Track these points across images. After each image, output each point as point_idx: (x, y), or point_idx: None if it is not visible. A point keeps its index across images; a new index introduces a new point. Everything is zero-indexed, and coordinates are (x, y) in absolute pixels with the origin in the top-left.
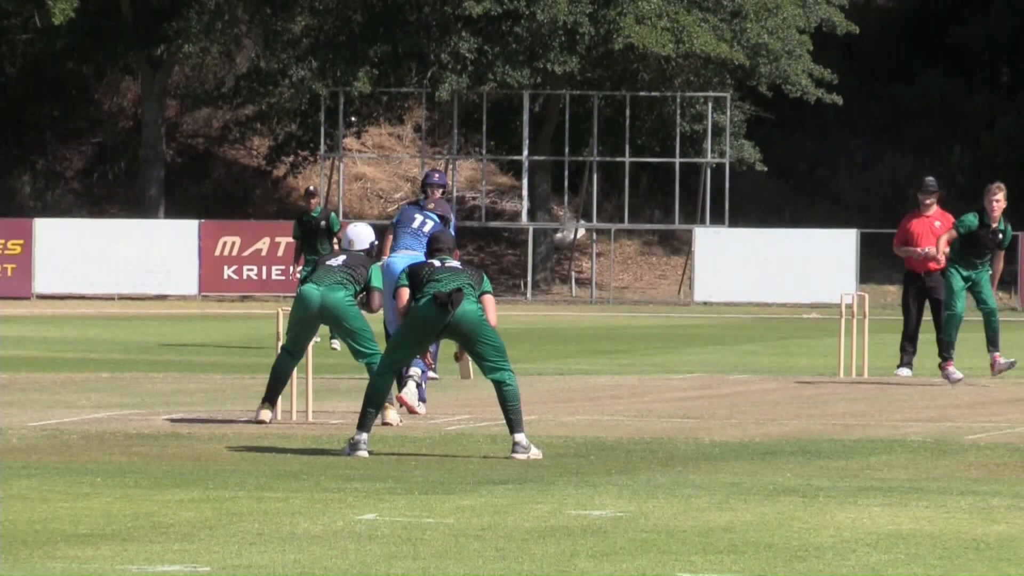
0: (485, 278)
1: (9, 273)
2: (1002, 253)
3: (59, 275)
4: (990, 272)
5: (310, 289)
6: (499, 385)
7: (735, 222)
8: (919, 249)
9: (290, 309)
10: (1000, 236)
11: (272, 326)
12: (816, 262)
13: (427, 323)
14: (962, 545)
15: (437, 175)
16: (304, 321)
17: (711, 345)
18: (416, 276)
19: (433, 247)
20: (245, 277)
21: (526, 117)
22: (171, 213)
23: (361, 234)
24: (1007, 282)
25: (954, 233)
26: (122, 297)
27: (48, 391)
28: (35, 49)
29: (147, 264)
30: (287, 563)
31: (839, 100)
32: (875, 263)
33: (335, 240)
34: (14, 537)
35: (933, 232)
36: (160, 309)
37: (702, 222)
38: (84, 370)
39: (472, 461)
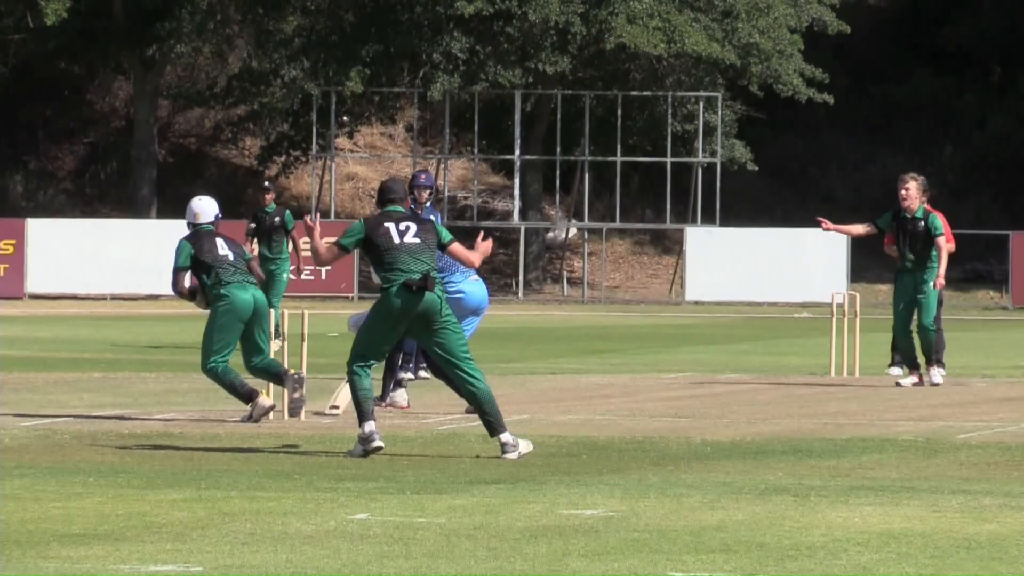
0: (440, 228)
1: (1, 273)
2: (943, 251)
3: (51, 275)
4: (931, 284)
5: (242, 294)
6: (472, 389)
7: (726, 221)
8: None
9: (218, 317)
10: (922, 223)
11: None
12: (807, 261)
13: (399, 312)
14: (953, 544)
15: (424, 176)
16: (238, 328)
17: (703, 344)
18: (372, 242)
19: (385, 197)
20: None
21: (518, 117)
22: (163, 213)
23: (206, 208)
24: (998, 281)
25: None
26: (114, 297)
27: (41, 391)
28: (27, 49)
29: (139, 264)
30: (279, 563)
31: (830, 100)
32: (866, 262)
33: (288, 238)
34: (7, 537)
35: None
36: (152, 309)
37: (693, 221)
38: (76, 370)
39: (464, 461)
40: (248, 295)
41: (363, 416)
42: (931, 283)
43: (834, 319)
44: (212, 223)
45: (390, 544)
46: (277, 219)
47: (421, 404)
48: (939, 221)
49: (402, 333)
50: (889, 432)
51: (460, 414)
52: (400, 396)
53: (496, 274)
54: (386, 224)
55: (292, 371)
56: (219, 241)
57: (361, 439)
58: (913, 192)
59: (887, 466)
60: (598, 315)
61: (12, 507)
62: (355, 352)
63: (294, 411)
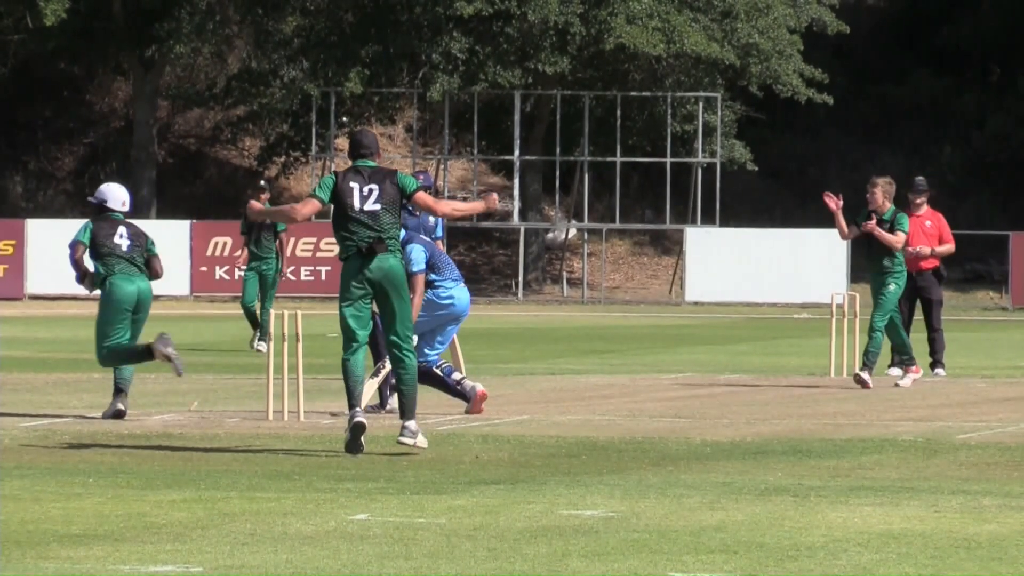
0: (404, 178)
1: (1, 274)
2: (896, 244)
3: (51, 276)
4: (891, 287)
5: (127, 285)
6: (398, 364)
7: (726, 222)
8: (910, 248)
9: (103, 309)
10: (888, 226)
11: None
12: (807, 262)
13: (358, 278)
14: (953, 544)
15: (423, 176)
16: (125, 317)
17: (702, 345)
18: (338, 199)
19: (356, 151)
20: (237, 277)
21: (517, 117)
22: (163, 214)
23: (115, 194)
24: (997, 281)
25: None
26: None
27: (40, 392)
28: (26, 50)
29: None
30: (279, 563)
31: (830, 100)
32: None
33: (278, 239)
34: (7, 538)
35: (924, 232)
36: (152, 309)
37: (693, 222)
38: (76, 371)
39: (463, 461)
40: (133, 287)
41: (351, 402)
42: (891, 286)
43: (833, 320)
44: (121, 211)
45: (390, 544)
46: (268, 219)
47: (420, 405)
48: (905, 220)
49: (369, 303)
50: (889, 432)
51: (460, 414)
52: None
53: (496, 275)
54: (351, 184)
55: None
56: (121, 229)
57: (349, 423)
58: (879, 195)
59: (887, 466)
60: (598, 316)
61: (12, 507)
62: (343, 337)
63: (177, 368)
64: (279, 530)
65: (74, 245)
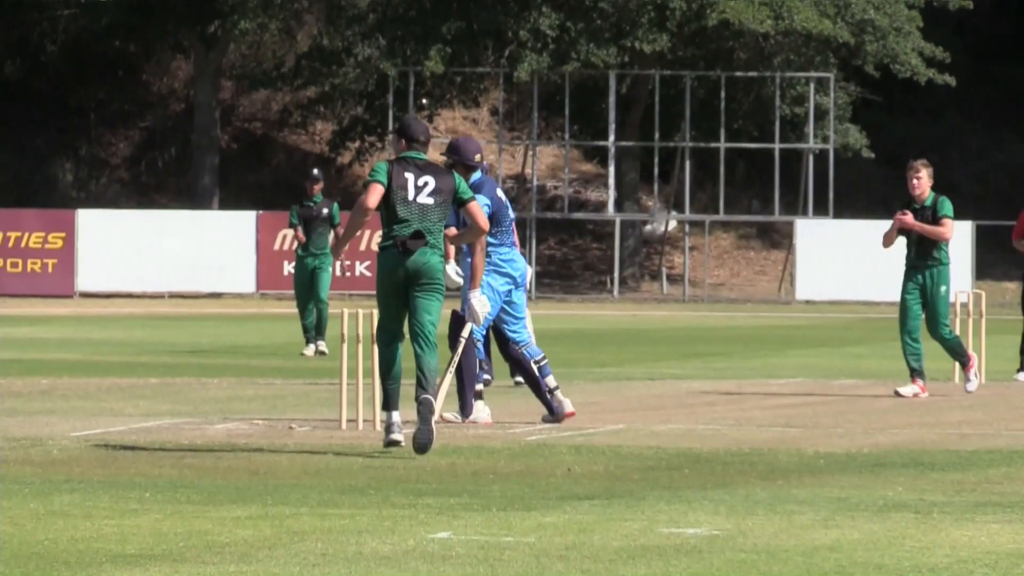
0: (462, 181)
1: (50, 269)
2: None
3: (104, 271)
4: (942, 289)
5: None
6: (419, 351)
7: (840, 213)
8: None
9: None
10: (931, 213)
11: (336, 327)
12: None
13: (389, 273)
14: None
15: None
16: None
17: (815, 347)
18: (390, 186)
19: (411, 139)
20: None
21: (612, 99)
22: (226, 204)
23: None
24: None
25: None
26: (173, 295)
27: (92, 398)
28: (78, 26)
29: (200, 259)
30: None
31: (952, 81)
32: (992, 258)
33: (333, 233)
34: (56, 557)
35: None
36: (214, 308)
37: (804, 213)
38: (132, 375)
39: (555, 474)
40: None
41: (384, 403)
42: (943, 287)
43: (957, 319)
44: None
45: (474, 566)
46: (325, 211)
47: (508, 412)
48: (949, 204)
49: (405, 297)
50: (1018, 443)
51: (549, 424)
52: (482, 412)
53: (589, 271)
54: (406, 173)
55: None
56: None
57: (385, 427)
58: (927, 181)
59: (1017, 480)
60: (700, 315)
61: (61, 524)
62: (378, 324)
63: None
64: (353, 550)
65: None
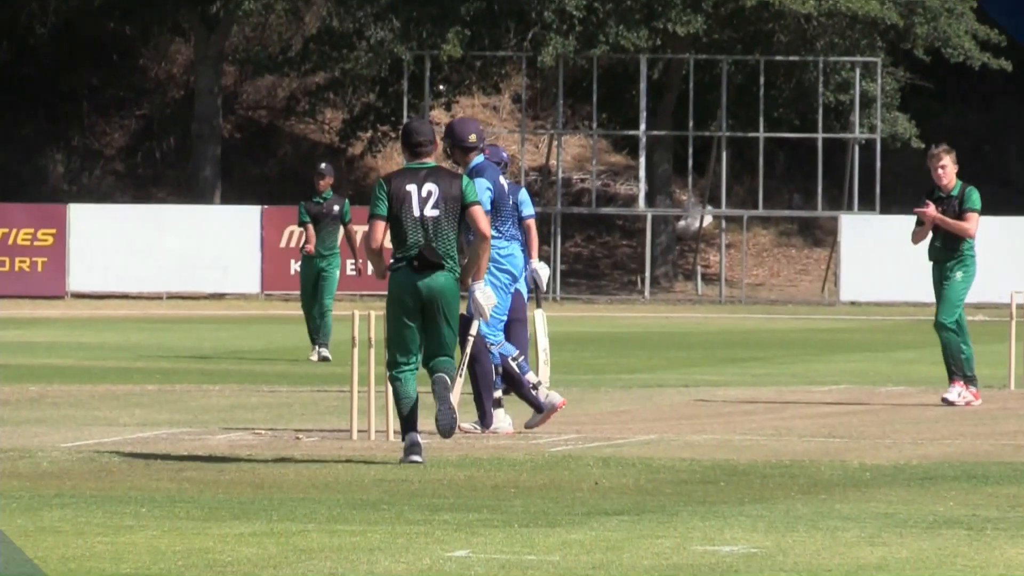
0: (469, 184)
1: (39, 268)
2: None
3: (98, 270)
4: (958, 275)
5: None
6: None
7: (887, 208)
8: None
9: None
10: (957, 203)
11: (347, 330)
12: (982, 254)
13: (402, 295)
14: None
15: (489, 149)
16: None
17: (860, 352)
18: (390, 209)
19: (414, 146)
20: None
21: (643, 86)
22: (229, 198)
23: None
24: None
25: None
26: (171, 296)
27: (85, 406)
28: (70, 6)
29: (201, 258)
30: None
31: (1007, 66)
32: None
33: (345, 232)
34: None
35: None
36: (216, 310)
37: (849, 208)
38: (127, 382)
39: (581, 488)
40: None
41: (404, 426)
42: (957, 274)
43: (1013, 322)
44: None
45: None
46: (336, 208)
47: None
48: (976, 195)
49: (419, 320)
50: None
51: (575, 434)
52: (503, 421)
53: (619, 270)
54: (407, 187)
55: None
56: None
57: (405, 448)
58: (952, 169)
59: None
60: (737, 317)
61: (51, 542)
62: (388, 354)
63: None
64: (364, 568)
65: None
